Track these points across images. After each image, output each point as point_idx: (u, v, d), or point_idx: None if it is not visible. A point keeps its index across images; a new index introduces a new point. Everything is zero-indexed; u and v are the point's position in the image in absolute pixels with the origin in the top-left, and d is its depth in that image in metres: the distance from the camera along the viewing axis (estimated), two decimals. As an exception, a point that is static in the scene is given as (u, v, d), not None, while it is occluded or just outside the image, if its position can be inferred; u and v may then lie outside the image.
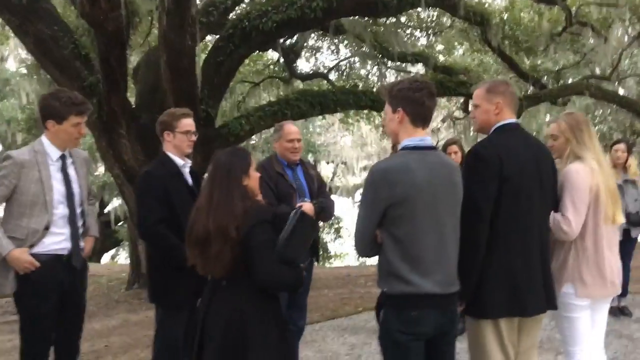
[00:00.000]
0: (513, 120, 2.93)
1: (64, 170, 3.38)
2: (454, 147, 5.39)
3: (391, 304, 2.54)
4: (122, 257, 23.81)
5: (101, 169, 16.39)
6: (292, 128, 4.25)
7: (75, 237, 3.38)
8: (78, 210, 3.42)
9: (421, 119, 2.62)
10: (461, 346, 4.92)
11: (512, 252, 2.73)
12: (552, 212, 3.00)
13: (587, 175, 3.05)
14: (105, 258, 21.67)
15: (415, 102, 2.59)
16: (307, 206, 3.97)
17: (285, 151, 4.20)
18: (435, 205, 2.51)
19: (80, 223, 3.46)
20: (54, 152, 3.36)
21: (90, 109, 3.43)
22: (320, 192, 4.33)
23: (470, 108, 15.50)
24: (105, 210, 18.06)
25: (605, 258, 3.13)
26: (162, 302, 3.61)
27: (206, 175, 2.71)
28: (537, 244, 2.80)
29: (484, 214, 2.68)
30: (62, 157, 3.40)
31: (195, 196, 3.68)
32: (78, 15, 8.58)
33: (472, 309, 2.79)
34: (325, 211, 4.17)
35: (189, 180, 3.69)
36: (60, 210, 3.33)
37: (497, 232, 2.70)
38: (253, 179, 2.75)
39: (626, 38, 16.50)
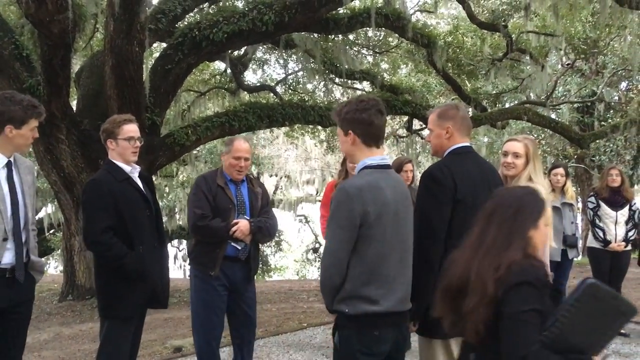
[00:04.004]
0: (466, 143, 3.00)
1: (10, 178, 3.19)
2: (409, 166, 5.54)
3: (354, 324, 2.49)
4: (53, 266, 22.87)
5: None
6: (241, 145, 4.03)
7: (19, 250, 3.20)
8: (22, 222, 3.25)
9: (373, 138, 2.61)
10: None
11: (464, 273, 2.77)
12: None
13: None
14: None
15: (363, 123, 2.58)
16: (243, 223, 3.88)
17: (230, 167, 4.02)
18: (398, 222, 2.51)
19: (24, 237, 3.27)
20: (0, 159, 3.19)
21: (44, 110, 3.30)
22: (264, 211, 4.14)
23: (414, 127, 15.85)
24: (37, 217, 17.32)
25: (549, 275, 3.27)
26: (111, 314, 3.48)
27: (482, 211, 2.14)
28: (488, 266, 2.85)
29: (438, 234, 2.72)
30: (9, 164, 3.22)
31: (148, 201, 3.57)
32: (20, 15, 8.26)
33: (424, 329, 2.81)
34: (261, 232, 3.99)
35: (140, 184, 3.58)
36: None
37: (449, 252, 2.71)
38: (540, 233, 2.07)
39: (560, 66, 17.40)
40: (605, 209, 6.22)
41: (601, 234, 6.21)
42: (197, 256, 4.01)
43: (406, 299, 2.58)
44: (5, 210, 3.09)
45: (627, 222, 6.18)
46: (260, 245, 4.54)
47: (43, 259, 20.21)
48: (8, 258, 3.12)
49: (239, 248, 3.96)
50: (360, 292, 2.44)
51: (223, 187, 3.97)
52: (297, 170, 26.06)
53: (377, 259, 2.46)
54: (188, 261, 4.27)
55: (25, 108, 3.11)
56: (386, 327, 2.49)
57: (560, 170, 6.05)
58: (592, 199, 6.37)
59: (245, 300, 4.10)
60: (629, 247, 6.28)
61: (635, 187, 17.14)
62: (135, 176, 3.58)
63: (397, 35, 12.65)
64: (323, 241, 3.26)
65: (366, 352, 2.47)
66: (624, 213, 6.17)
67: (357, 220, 2.42)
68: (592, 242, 6.38)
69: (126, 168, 3.54)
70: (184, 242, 22.25)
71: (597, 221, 6.26)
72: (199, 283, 3.98)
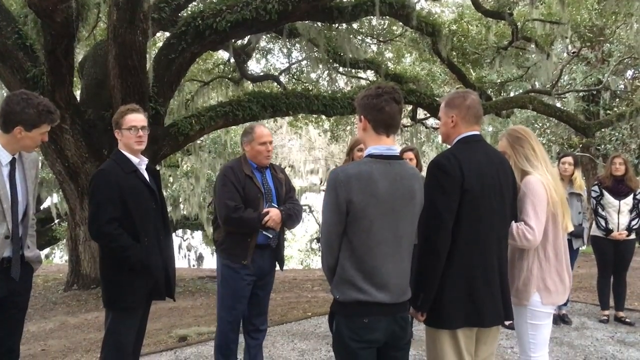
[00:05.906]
0: (475, 132, 2.96)
1: (11, 175, 3.16)
2: (410, 154, 5.43)
3: (343, 311, 2.52)
4: (58, 256, 23.00)
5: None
6: (264, 131, 4.07)
7: (16, 247, 3.20)
8: (20, 217, 3.24)
9: (382, 125, 2.59)
10: (412, 352, 4.99)
11: (471, 263, 2.75)
12: (512, 222, 3.07)
13: (543, 187, 3.16)
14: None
15: (374, 109, 2.57)
16: (274, 212, 3.94)
17: (257, 154, 4.05)
18: (393, 217, 2.48)
19: (21, 232, 3.27)
20: (4, 156, 3.12)
21: (59, 116, 3.29)
22: (288, 197, 4.21)
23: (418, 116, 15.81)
24: (42, 207, 17.39)
25: (564, 265, 3.25)
26: (115, 305, 3.49)
27: None
28: (495, 256, 2.83)
29: (446, 223, 2.69)
30: (12, 162, 3.18)
31: (154, 194, 3.57)
32: (23, 5, 8.25)
33: (431, 319, 2.79)
34: (291, 218, 4.12)
35: (147, 177, 3.58)
36: None
37: (457, 242, 2.72)
38: None
39: (566, 54, 17.28)
40: (608, 197, 6.21)
41: (603, 223, 6.20)
42: (229, 247, 4.04)
43: (400, 293, 2.55)
44: (8, 208, 3.09)
45: (631, 211, 6.16)
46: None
47: (48, 248, 20.42)
48: (7, 252, 3.13)
49: (270, 236, 4.03)
50: (348, 278, 2.47)
51: (251, 176, 4.02)
52: (301, 159, 26.04)
53: (364, 250, 2.46)
54: (215, 249, 4.30)
55: (39, 113, 3.09)
56: (376, 315, 2.49)
57: (569, 159, 6.02)
58: (596, 187, 6.35)
59: (263, 288, 4.21)
60: (633, 236, 6.26)
61: (641, 176, 17.07)
62: (142, 168, 3.57)
63: (401, 23, 12.57)
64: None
65: (356, 340, 2.48)
66: (627, 202, 6.15)
67: (342, 207, 2.44)
68: (595, 231, 6.37)
69: (134, 160, 3.53)
70: (188, 232, 22.33)
71: (599, 210, 6.25)
72: (228, 272, 4.04)
